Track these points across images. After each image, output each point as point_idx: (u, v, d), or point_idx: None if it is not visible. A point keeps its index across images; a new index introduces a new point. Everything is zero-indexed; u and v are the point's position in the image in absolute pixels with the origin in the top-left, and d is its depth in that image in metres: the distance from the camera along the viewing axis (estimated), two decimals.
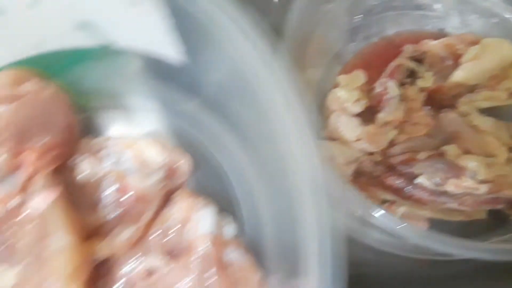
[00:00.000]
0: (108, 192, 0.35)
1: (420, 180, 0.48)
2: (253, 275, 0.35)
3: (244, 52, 0.31)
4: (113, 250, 0.33)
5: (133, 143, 0.37)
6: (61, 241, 0.30)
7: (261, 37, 0.30)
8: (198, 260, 0.34)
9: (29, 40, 0.36)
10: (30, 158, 0.32)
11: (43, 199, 0.30)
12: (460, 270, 0.48)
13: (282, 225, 0.35)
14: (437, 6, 0.63)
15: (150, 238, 0.35)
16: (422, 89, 0.54)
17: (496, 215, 0.51)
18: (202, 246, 0.34)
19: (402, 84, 0.53)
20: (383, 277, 0.49)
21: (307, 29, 0.52)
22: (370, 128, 0.51)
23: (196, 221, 0.34)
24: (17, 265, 0.31)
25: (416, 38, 0.59)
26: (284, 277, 0.33)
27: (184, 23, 0.35)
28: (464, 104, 0.54)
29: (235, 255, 0.35)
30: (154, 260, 0.34)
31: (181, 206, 0.36)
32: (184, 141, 0.41)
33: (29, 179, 0.32)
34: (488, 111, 0.55)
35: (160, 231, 0.35)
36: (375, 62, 0.60)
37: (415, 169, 0.49)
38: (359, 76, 0.57)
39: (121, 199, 0.35)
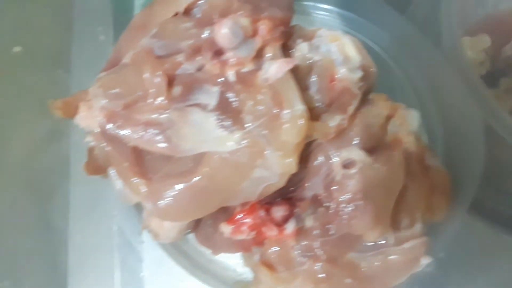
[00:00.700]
0: (320, 78, 0.34)
1: None
2: (447, 182, 0.34)
3: None
4: (325, 133, 0.33)
5: (337, 38, 0.36)
6: (295, 110, 0.30)
7: None
8: (400, 156, 0.33)
9: None
10: (264, 28, 0.31)
11: (279, 68, 0.30)
12: None
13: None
14: None
15: (352, 132, 0.34)
16: None
17: None
18: (408, 142, 0.33)
19: None
20: None
21: None
22: (493, 92, 0.50)
23: (402, 119, 0.34)
24: (241, 130, 0.31)
25: None
26: None
27: None
28: None
29: (433, 161, 0.35)
30: (354, 153, 0.34)
31: (383, 105, 0.35)
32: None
33: (262, 48, 0.31)
34: None
35: (363, 125, 0.35)
36: (501, 28, 0.58)
37: None
38: (485, 39, 0.54)
39: (330, 87, 0.34)
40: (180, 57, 0.33)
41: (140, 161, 0.34)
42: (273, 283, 0.34)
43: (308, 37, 0.35)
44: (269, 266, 0.36)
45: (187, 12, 0.35)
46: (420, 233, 0.34)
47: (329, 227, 0.34)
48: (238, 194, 0.33)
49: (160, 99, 0.32)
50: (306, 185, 0.35)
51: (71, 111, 0.35)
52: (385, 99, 0.36)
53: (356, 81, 0.35)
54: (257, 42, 0.31)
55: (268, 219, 0.34)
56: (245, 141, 0.31)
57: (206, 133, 0.32)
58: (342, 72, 0.34)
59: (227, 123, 0.31)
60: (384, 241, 0.34)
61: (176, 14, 0.34)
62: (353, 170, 0.34)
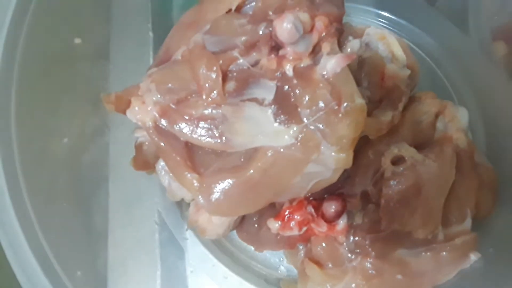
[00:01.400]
0: (370, 75, 0.34)
1: None
2: (494, 179, 0.35)
3: None
4: (377, 128, 0.33)
5: (383, 36, 0.36)
6: (356, 104, 0.30)
7: None
8: (451, 152, 0.33)
9: None
10: (320, 23, 0.31)
11: (338, 63, 0.30)
12: None
13: None
14: None
15: (401, 128, 0.35)
16: None
17: None
18: (458, 139, 0.33)
19: None
20: None
21: None
22: None
23: (452, 116, 0.34)
24: (298, 124, 0.31)
25: None
26: None
27: None
28: None
29: (479, 158, 0.35)
30: (404, 150, 0.34)
31: (432, 102, 0.35)
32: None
33: (318, 43, 0.31)
34: None
35: (412, 122, 0.35)
36: None
37: None
38: (502, 47, 0.55)
39: (381, 83, 0.34)
40: (235, 53, 0.33)
41: (192, 156, 0.34)
42: (322, 280, 0.34)
43: (357, 35, 0.35)
44: (316, 262, 0.36)
45: (238, 9, 0.35)
46: (469, 229, 0.35)
47: (379, 223, 0.34)
48: (289, 190, 0.33)
49: (214, 94, 0.32)
50: (355, 181, 0.35)
51: (123, 106, 0.35)
52: (432, 96, 0.36)
53: (404, 79, 0.35)
54: (314, 37, 0.31)
55: (318, 215, 0.34)
56: (301, 136, 0.31)
57: (261, 128, 0.32)
58: (391, 69, 0.35)
59: (284, 117, 0.31)
60: (434, 238, 0.34)
61: (228, 11, 0.34)
62: (403, 166, 0.34)
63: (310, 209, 0.35)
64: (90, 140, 0.41)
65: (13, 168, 0.35)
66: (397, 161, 0.34)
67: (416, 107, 0.35)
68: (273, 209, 0.37)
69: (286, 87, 0.32)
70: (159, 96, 0.34)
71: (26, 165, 0.35)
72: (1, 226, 0.34)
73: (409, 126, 0.35)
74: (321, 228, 0.34)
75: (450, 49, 0.45)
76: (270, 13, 0.33)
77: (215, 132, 0.33)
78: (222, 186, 0.33)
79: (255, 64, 0.33)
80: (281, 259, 0.42)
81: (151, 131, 0.34)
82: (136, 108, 0.34)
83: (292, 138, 0.31)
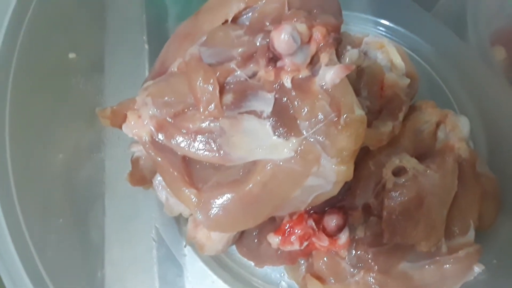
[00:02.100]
0: (370, 84, 0.34)
1: None
2: (497, 189, 0.34)
3: None
4: (377, 139, 0.32)
5: (382, 45, 0.36)
6: (355, 116, 0.29)
7: None
8: (453, 162, 0.33)
9: None
10: (318, 34, 0.31)
11: (337, 74, 0.30)
12: None
13: None
14: None
15: (402, 138, 0.34)
16: None
17: None
18: (460, 148, 0.33)
19: None
20: None
21: None
22: None
23: (453, 125, 0.34)
24: (297, 137, 0.30)
25: None
26: None
27: None
28: None
29: (482, 167, 0.34)
30: (405, 160, 0.34)
31: (432, 111, 0.35)
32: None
33: (316, 54, 0.31)
34: None
35: (412, 132, 0.34)
36: None
37: None
38: (501, 51, 0.55)
39: (381, 93, 0.34)
40: (232, 65, 0.32)
41: (190, 170, 0.33)
42: None
43: (355, 44, 0.35)
44: (318, 278, 0.35)
45: (234, 20, 0.35)
46: (472, 240, 0.34)
47: (381, 237, 0.33)
48: (289, 203, 0.32)
49: (211, 107, 0.32)
50: (357, 193, 0.34)
51: (118, 120, 0.34)
52: (433, 106, 0.36)
53: (404, 88, 0.35)
54: (312, 48, 0.31)
55: (320, 229, 0.33)
56: (300, 148, 0.30)
57: (259, 141, 0.31)
58: (391, 78, 0.34)
59: (283, 130, 0.31)
60: (437, 250, 0.34)
61: (225, 22, 0.34)
62: (404, 178, 0.33)
63: (311, 222, 0.34)
64: (86, 156, 0.40)
65: (7, 184, 0.34)
66: (399, 172, 0.34)
67: (417, 117, 0.35)
68: (273, 223, 0.36)
69: (285, 99, 0.31)
70: (155, 109, 0.33)
71: (20, 181, 0.35)
72: None
73: (410, 136, 0.34)
74: (323, 242, 0.33)
75: (448, 56, 0.45)
76: (267, 23, 0.33)
77: (213, 146, 0.32)
78: (220, 201, 0.32)
79: (253, 75, 0.32)
80: (282, 274, 0.41)
81: (147, 145, 0.34)
82: (132, 123, 0.34)
83: (292, 151, 0.30)
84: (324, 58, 0.31)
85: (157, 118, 0.33)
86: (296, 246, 0.34)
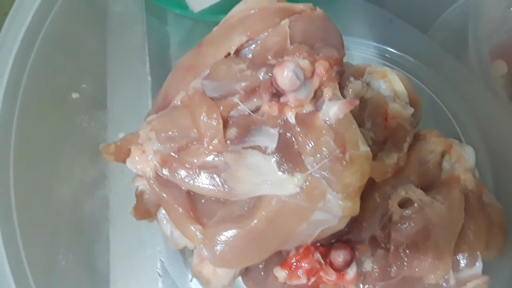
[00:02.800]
0: (374, 115, 0.34)
1: None
2: (504, 219, 0.34)
3: None
4: (383, 172, 0.32)
5: (384, 74, 0.36)
6: (360, 152, 0.29)
7: None
8: (460, 193, 0.32)
9: None
10: (321, 68, 0.31)
11: (340, 109, 0.30)
12: None
13: None
14: None
15: (407, 169, 0.34)
16: None
17: None
18: (466, 179, 0.33)
19: None
20: None
21: None
22: None
23: (458, 155, 0.33)
24: (302, 172, 0.30)
25: None
26: None
27: None
28: None
29: (488, 197, 0.34)
30: (411, 192, 0.33)
31: (436, 141, 0.35)
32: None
33: (320, 87, 0.31)
34: None
35: (417, 162, 0.34)
36: None
37: None
38: (502, 66, 0.55)
39: (385, 124, 0.34)
40: (235, 99, 0.32)
41: (195, 205, 0.33)
42: None
43: (358, 74, 0.35)
44: None
45: (237, 53, 0.35)
46: (480, 272, 0.33)
47: (389, 270, 0.33)
48: (295, 238, 0.32)
49: (215, 142, 0.31)
50: (363, 225, 0.34)
51: (122, 155, 0.34)
52: (437, 135, 0.35)
53: (408, 118, 0.35)
54: (315, 82, 0.30)
55: (327, 263, 0.33)
56: (306, 184, 0.30)
57: (264, 176, 0.31)
58: (394, 109, 0.34)
59: (287, 166, 0.30)
60: (446, 282, 0.33)
61: (227, 55, 0.34)
62: (411, 210, 0.33)
63: (318, 256, 0.34)
64: (90, 192, 0.40)
65: (11, 222, 0.34)
66: (405, 203, 0.34)
67: (421, 147, 0.35)
68: (279, 257, 0.36)
69: (289, 134, 0.31)
70: (159, 144, 0.33)
71: (24, 218, 0.35)
72: None
73: (415, 166, 0.34)
74: (330, 276, 0.33)
75: (450, 81, 0.45)
76: (270, 57, 0.33)
77: (218, 181, 0.32)
78: (226, 237, 0.32)
79: (256, 110, 0.32)
80: None
81: (152, 181, 0.33)
82: (136, 158, 0.34)
83: (297, 186, 0.30)
84: (327, 92, 0.31)
85: (161, 153, 0.33)
86: (303, 280, 0.34)
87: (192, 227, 0.32)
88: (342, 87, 0.34)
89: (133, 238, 0.40)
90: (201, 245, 0.32)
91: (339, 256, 0.32)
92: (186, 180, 0.32)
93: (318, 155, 0.30)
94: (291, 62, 0.29)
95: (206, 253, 0.32)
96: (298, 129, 0.31)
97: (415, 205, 0.33)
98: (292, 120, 0.31)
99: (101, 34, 0.45)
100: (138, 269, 0.40)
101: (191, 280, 0.39)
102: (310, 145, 0.30)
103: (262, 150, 0.31)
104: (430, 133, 0.36)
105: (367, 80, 0.35)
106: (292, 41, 0.32)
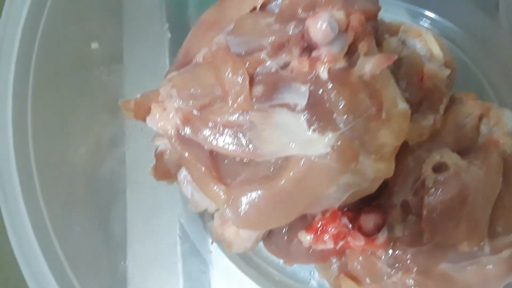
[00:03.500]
0: (409, 75, 0.32)
1: None
2: None
3: None
4: (418, 134, 0.30)
5: (420, 33, 0.34)
6: (398, 110, 0.28)
7: None
8: (498, 158, 0.31)
9: None
10: (356, 21, 0.29)
11: (377, 64, 0.28)
12: None
13: None
14: None
15: (443, 133, 0.32)
16: None
17: None
18: (505, 144, 0.31)
19: None
20: None
21: None
22: None
23: (497, 119, 0.31)
24: (334, 132, 0.28)
25: None
26: None
27: None
28: None
29: None
30: (446, 156, 0.32)
31: (474, 104, 0.33)
32: None
33: (354, 43, 0.29)
34: None
35: (454, 126, 0.32)
36: None
37: None
38: None
39: (420, 85, 0.32)
40: (262, 55, 0.30)
41: (218, 165, 0.32)
42: None
43: (393, 32, 0.33)
44: (353, 278, 0.33)
45: (263, 7, 0.33)
46: None
47: (421, 236, 0.32)
48: (322, 201, 0.31)
49: (240, 100, 0.30)
50: (394, 190, 0.32)
51: (142, 113, 0.32)
52: (474, 98, 0.33)
53: (444, 79, 0.33)
54: (350, 36, 0.28)
55: (354, 227, 0.32)
56: (338, 144, 0.28)
57: (292, 135, 0.29)
58: (431, 69, 0.32)
59: (318, 124, 0.29)
60: (480, 250, 0.32)
61: (253, 10, 0.32)
62: (446, 174, 0.31)
63: (345, 221, 0.33)
64: (108, 149, 0.39)
65: (30, 178, 0.33)
66: (439, 168, 0.32)
67: (458, 110, 0.33)
68: (304, 221, 0.35)
69: (320, 91, 0.29)
70: (181, 102, 0.32)
71: (43, 176, 0.34)
72: (17, 238, 0.33)
73: (451, 130, 0.32)
74: (358, 242, 0.32)
75: (485, 44, 0.42)
76: (299, 11, 0.30)
77: (242, 140, 0.30)
78: (251, 198, 0.30)
79: (285, 66, 0.30)
80: (312, 272, 0.39)
81: (173, 140, 0.32)
82: (157, 116, 0.32)
83: (328, 146, 0.29)
84: (362, 47, 0.29)
85: (183, 111, 0.31)
86: (329, 245, 0.33)
87: (215, 187, 0.31)
88: (378, 45, 0.32)
89: (151, 199, 0.39)
90: (225, 206, 0.30)
91: (369, 221, 0.30)
92: (209, 139, 0.31)
93: (352, 113, 0.28)
94: (325, 13, 0.27)
95: (229, 214, 0.30)
96: (331, 85, 0.29)
97: (451, 169, 0.31)
98: (324, 76, 0.29)
99: None
100: (156, 230, 0.39)
101: (212, 243, 0.38)
102: (343, 103, 0.28)
103: (291, 108, 0.29)
104: (467, 96, 0.34)
105: (402, 38, 0.33)
106: None
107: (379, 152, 0.28)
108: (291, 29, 0.30)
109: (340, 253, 0.34)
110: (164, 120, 0.32)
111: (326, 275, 0.36)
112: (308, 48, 0.29)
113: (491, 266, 0.32)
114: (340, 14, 0.28)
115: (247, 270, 0.38)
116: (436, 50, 0.34)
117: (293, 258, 0.36)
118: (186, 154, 0.32)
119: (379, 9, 0.31)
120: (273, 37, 0.30)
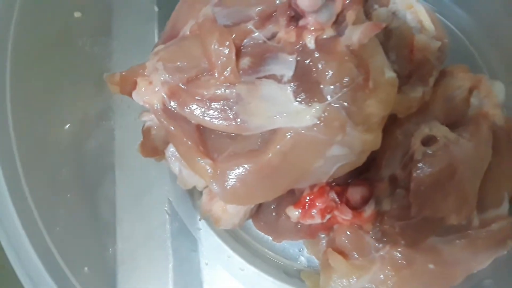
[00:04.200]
0: (399, 46, 0.31)
1: None
2: None
3: None
4: (407, 106, 0.30)
5: (410, 5, 0.33)
6: (385, 79, 0.27)
7: None
8: (488, 130, 0.30)
9: None
10: None
11: (365, 32, 0.27)
12: None
13: None
14: None
15: (432, 105, 0.32)
16: None
17: None
18: (495, 115, 0.30)
19: None
20: None
21: None
22: None
23: (487, 91, 0.31)
24: (321, 102, 0.28)
25: None
26: None
27: None
28: None
29: None
30: (435, 129, 0.31)
31: (464, 76, 0.32)
32: None
33: (342, 12, 0.28)
34: None
35: (443, 98, 0.32)
36: None
37: None
38: None
39: (410, 56, 0.31)
40: (249, 25, 0.30)
41: (204, 140, 0.31)
42: (348, 271, 0.32)
43: (383, 3, 0.32)
44: (340, 252, 0.33)
45: None
46: (506, 213, 0.32)
47: (409, 210, 0.31)
48: (310, 174, 0.30)
49: (227, 72, 0.29)
50: (382, 164, 0.32)
51: (128, 87, 0.32)
52: (465, 70, 0.33)
53: (435, 51, 0.32)
54: (338, 5, 0.28)
55: (342, 201, 0.31)
56: (324, 115, 0.28)
57: (279, 107, 0.29)
58: (421, 41, 0.32)
59: (305, 95, 0.28)
60: (469, 223, 0.32)
61: None
62: (435, 147, 0.31)
63: (333, 195, 0.32)
64: (94, 126, 0.38)
65: (12, 159, 0.32)
66: (428, 141, 0.32)
67: (448, 82, 0.32)
68: (292, 196, 0.34)
69: (307, 61, 0.29)
70: (167, 75, 0.31)
71: (26, 156, 0.33)
72: (0, 223, 0.32)
73: (441, 102, 0.32)
74: (346, 215, 0.31)
75: (478, 18, 0.41)
76: None
77: (229, 114, 0.30)
78: (237, 172, 0.30)
79: (272, 37, 0.30)
80: (301, 249, 0.39)
81: (159, 114, 0.32)
82: (143, 89, 0.32)
83: (314, 118, 0.28)
84: (350, 16, 0.29)
85: (169, 84, 0.31)
86: (317, 220, 0.32)
87: (201, 162, 0.30)
88: (366, 15, 0.31)
89: (140, 177, 0.39)
90: (211, 180, 0.30)
91: (357, 193, 0.30)
92: (196, 113, 0.30)
93: (339, 83, 0.28)
94: None
95: (216, 189, 0.30)
96: (318, 55, 0.28)
97: (440, 142, 0.31)
98: (311, 45, 0.28)
99: None
100: (145, 209, 0.38)
101: (200, 220, 0.38)
102: (330, 73, 0.28)
103: (278, 79, 0.29)
104: (458, 68, 0.33)
105: (392, 9, 0.32)
106: None
107: (366, 123, 0.28)
108: None
109: (328, 228, 0.34)
110: (150, 94, 0.31)
111: (315, 251, 0.35)
112: (295, 18, 0.29)
113: (480, 240, 0.32)
114: None
115: (236, 247, 0.38)
116: (427, 21, 0.33)
117: (281, 234, 0.36)
118: (172, 128, 0.31)
119: None
120: (260, 7, 0.30)
